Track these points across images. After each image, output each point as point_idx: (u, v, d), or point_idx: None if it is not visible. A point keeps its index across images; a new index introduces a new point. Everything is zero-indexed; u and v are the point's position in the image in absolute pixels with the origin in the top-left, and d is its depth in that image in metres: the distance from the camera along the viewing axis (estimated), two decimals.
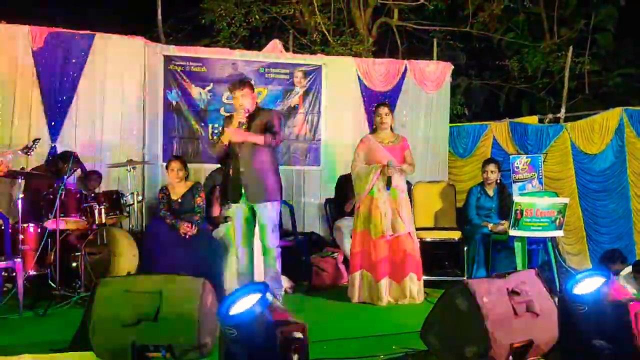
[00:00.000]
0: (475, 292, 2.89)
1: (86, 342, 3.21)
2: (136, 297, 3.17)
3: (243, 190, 4.42)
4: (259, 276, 4.62)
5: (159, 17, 7.47)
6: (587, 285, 2.50)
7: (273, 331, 2.12)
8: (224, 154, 4.56)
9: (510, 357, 2.88)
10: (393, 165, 4.76)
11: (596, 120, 7.19)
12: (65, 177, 5.08)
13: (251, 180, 4.41)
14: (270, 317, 2.12)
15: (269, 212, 4.44)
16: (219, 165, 6.21)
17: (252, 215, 4.50)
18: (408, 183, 5.71)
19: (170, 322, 3.11)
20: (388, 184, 4.77)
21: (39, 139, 5.30)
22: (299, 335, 2.13)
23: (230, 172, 4.51)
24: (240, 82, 4.56)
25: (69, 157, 5.60)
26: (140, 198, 5.96)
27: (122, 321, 3.10)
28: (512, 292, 3.01)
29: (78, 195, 5.21)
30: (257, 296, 2.17)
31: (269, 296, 2.20)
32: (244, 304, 2.18)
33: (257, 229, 4.56)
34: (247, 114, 4.41)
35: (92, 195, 5.36)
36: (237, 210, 4.51)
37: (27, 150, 5.01)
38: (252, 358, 2.11)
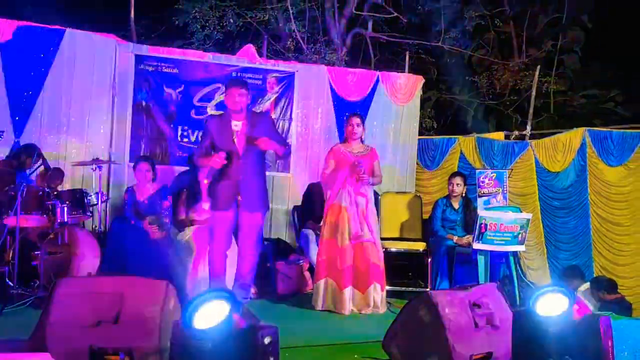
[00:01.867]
0: (437, 303, 2.93)
1: (43, 343, 3.14)
2: (96, 299, 3.10)
3: (239, 198, 4.33)
4: (228, 282, 4.58)
5: (132, 16, 7.38)
6: (549, 301, 2.55)
7: (251, 336, 2.11)
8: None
9: None
10: (359, 167, 4.79)
11: (560, 139, 7.38)
12: (28, 171, 4.97)
13: (250, 189, 4.35)
14: (245, 323, 2.12)
15: (259, 221, 4.45)
16: (186, 168, 6.19)
17: (236, 224, 4.45)
18: (375, 193, 5.76)
19: (131, 325, 3.05)
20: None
21: (3, 131, 5.16)
22: (274, 338, 2.14)
23: (223, 178, 4.35)
24: (242, 82, 4.52)
25: (33, 151, 5.51)
26: (104, 198, 5.86)
27: (80, 323, 3.04)
28: (474, 305, 3.05)
29: (40, 193, 5.09)
30: (226, 303, 2.15)
31: (238, 301, 2.19)
32: (214, 312, 2.16)
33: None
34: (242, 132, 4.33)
35: (55, 193, 5.24)
36: (221, 217, 4.38)
37: None
38: None
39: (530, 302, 2.57)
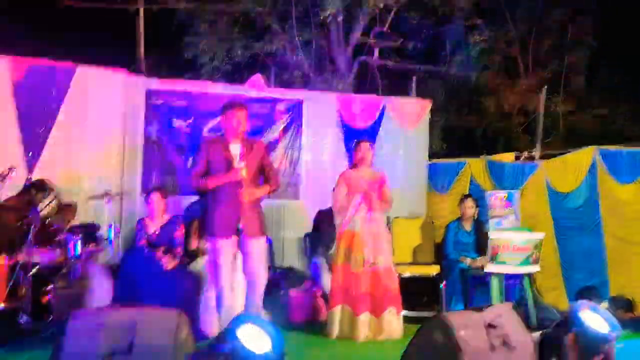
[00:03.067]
0: (451, 325, 2.89)
1: None
2: (109, 330, 3.10)
3: (240, 226, 4.22)
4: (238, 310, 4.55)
5: (141, 50, 7.53)
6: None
7: None
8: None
9: None
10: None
11: (570, 159, 7.32)
12: (40, 206, 5.02)
13: (250, 215, 4.24)
14: None
15: (262, 246, 4.33)
16: (196, 198, 6.21)
17: (238, 252, 4.37)
18: (387, 218, 5.74)
19: (144, 356, 3.04)
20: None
21: (14, 168, 5.20)
22: None
23: (223, 204, 4.26)
24: (241, 103, 4.43)
25: (44, 187, 5.56)
26: (117, 230, 5.89)
27: (94, 354, 3.03)
28: (489, 326, 3.01)
29: (52, 227, 5.14)
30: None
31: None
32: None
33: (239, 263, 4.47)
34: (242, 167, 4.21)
35: (67, 227, 5.28)
36: (225, 247, 4.26)
37: (1, 178, 4.90)
38: None
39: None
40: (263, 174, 4.40)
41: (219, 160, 4.29)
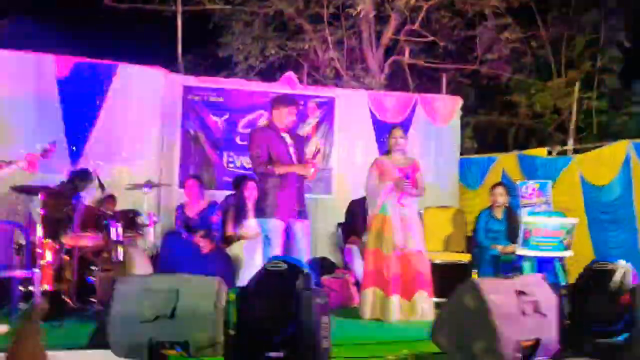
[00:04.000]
0: (483, 289, 2.97)
1: (103, 340, 3.30)
2: (154, 295, 3.26)
3: (297, 208, 4.56)
4: None
5: (179, 50, 7.79)
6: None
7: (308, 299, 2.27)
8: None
9: (518, 354, 2.93)
10: (406, 183, 4.89)
11: (603, 153, 7.29)
12: (83, 194, 5.24)
13: (303, 196, 4.64)
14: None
15: (308, 229, 4.69)
16: (232, 192, 6.41)
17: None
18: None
19: (187, 320, 3.18)
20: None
21: (55, 142, 5.25)
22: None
23: (284, 188, 4.53)
24: (294, 100, 4.81)
25: (87, 176, 5.80)
26: (156, 219, 6.08)
27: (139, 318, 3.19)
28: (520, 292, 3.07)
29: (95, 213, 5.36)
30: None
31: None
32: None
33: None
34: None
35: (110, 213, 5.50)
36: (281, 226, 4.53)
37: (45, 153, 4.97)
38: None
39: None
40: None
41: (276, 148, 4.58)
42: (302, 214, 4.61)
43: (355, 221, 6.14)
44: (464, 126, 9.36)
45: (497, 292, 3.00)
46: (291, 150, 4.62)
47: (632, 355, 2.53)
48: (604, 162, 7.23)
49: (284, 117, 4.59)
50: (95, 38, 8.97)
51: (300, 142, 4.86)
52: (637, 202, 7.02)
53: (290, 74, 7.77)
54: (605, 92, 11.01)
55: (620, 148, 7.19)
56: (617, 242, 7.07)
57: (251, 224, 5.55)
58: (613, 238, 7.06)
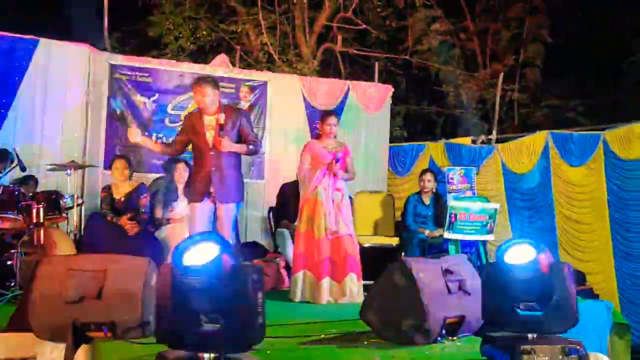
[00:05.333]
0: (412, 268, 3.06)
1: (24, 323, 3.16)
2: (79, 275, 3.15)
3: (211, 190, 4.41)
4: None
5: (105, 27, 7.49)
6: (517, 252, 2.70)
7: (241, 273, 2.22)
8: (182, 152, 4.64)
9: (444, 331, 3.04)
10: (337, 167, 4.94)
11: (524, 142, 7.67)
12: (1, 174, 4.98)
13: (221, 180, 4.41)
14: (234, 262, 2.24)
15: (232, 212, 4.51)
16: (161, 175, 6.27)
17: (213, 215, 4.53)
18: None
19: (114, 300, 3.10)
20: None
21: None
22: (260, 276, 2.28)
23: (196, 170, 4.48)
24: (214, 80, 4.56)
25: (5, 155, 5.52)
26: (80, 201, 5.87)
27: (63, 299, 3.08)
28: (446, 271, 3.19)
29: (16, 194, 5.10)
30: (215, 245, 2.25)
31: (227, 243, 2.31)
32: (204, 253, 2.26)
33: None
34: (222, 114, 4.39)
35: (30, 194, 5.25)
36: (198, 209, 4.47)
37: None
38: (214, 302, 2.20)
39: (499, 253, 2.72)
40: (240, 139, 4.52)
41: (194, 133, 4.47)
42: (221, 197, 4.42)
43: (286, 205, 6.15)
44: (394, 115, 9.56)
45: (425, 270, 3.10)
46: (206, 132, 4.42)
47: (548, 329, 2.69)
48: (524, 151, 7.61)
49: (197, 98, 4.47)
50: (18, 12, 8.48)
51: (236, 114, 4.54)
52: (555, 189, 7.43)
53: (222, 55, 7.66)
54: (526, 85, 11.53)
55: (540, 138, 7.59)
56: (534, 228, 7.47)
57: (180, 206, 5.46)
58: (530, 225, 7.45)
